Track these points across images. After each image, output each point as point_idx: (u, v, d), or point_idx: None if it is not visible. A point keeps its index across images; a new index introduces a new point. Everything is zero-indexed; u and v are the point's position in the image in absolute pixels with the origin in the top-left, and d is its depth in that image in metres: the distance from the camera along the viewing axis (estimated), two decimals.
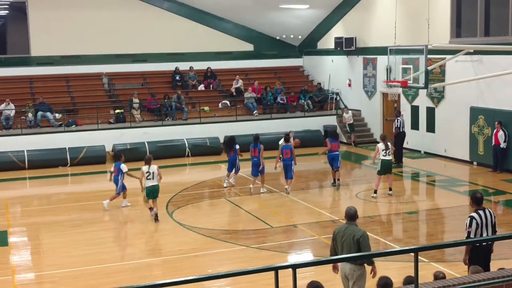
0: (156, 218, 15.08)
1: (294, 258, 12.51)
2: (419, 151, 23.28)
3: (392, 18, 22.72)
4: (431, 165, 21.29)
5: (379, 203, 16.42)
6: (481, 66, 20.06)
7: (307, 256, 12.85)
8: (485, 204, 9.53)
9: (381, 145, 16.69)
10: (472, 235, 9.11)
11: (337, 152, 18.20)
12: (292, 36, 30.46)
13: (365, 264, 8.49)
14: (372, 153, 20.33)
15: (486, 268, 8.60)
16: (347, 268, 8.42)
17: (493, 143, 19.44)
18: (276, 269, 5.80)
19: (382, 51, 22.23)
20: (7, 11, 28.87)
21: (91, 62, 27.66)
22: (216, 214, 16.24)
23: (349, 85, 27.47)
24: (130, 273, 11.85)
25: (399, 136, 21.63)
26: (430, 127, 22.74)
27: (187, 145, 24.20)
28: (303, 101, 27.75)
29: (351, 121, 25.59)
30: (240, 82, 28.05)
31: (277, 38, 30.85)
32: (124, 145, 23.06)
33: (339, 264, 8.69)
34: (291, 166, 17.57)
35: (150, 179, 14.94)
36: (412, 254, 6.19)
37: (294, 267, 5.78)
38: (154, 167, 15.03)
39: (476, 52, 19.72)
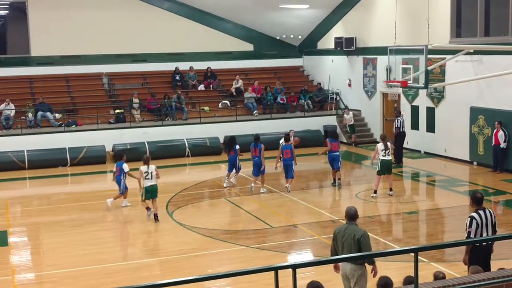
0: (156, 218, 15.09)
1: (294, 258, 12.51)
2: (419, 151, 23.28)
3: (392, 18, 22.72)
4: (431, 165, 21.29)
5: (379, 203, 16.42)
6: (481, 66, 20.06)
7: (307, 256, 12.85)
8: (485, 204, 9.53)
9: (380, 145, 16.69)
10: (472, 235, 9.11)
11: (337, 153, 18.21)
12: (292, 36, 30.46)
13: (366, 264, 8.49)
14: (372, 153, 20.33)
15: (486, 268, 8.60)
16: (348, 268, 8.42)
17: (493, 143, 19.44)
18: (276, 269, 5.80)
19: (382, 51, 22.23)
20: (7, 11, 28.87)
21: (91, 62, 27.66)
22: (216, 214, 16.24)
23: (349, 85, 27.47)
24: (130, 273, 11.85)
25: (399, 136, 21.62)
26: (430, 127, 22.74)
27: (187, 145, 24.20)
28: (303, 101, 27.75)
29: (352, 122, 25.55)
30: (240, 82, 28.06)
31: (277, 38, 30.85)
32: (124, 145, 23.06)
33: (340, 264, 8.69)
34: (291, 166, 17.58)
35: (148, 178, 14.97)
36: (412, 254, 6.19)
37: (294, 267, 5.78)
38: (152, 167, 15.07)
39: (476, 52, 19.72)
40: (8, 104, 24.36)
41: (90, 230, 14.72)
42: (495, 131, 19.33)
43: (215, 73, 28.79)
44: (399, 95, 23.92)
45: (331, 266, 9.01)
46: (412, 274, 6.19)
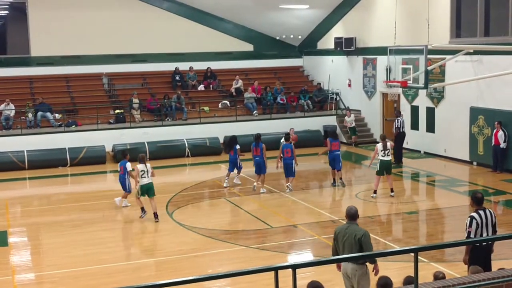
0: (155, 217, 15.12)
1: (294, 258, 12.51)
2: (419, 151, 23.28)
3: (392, 18, 22.72)
4: (431, 165, 21.30)
5: (379, 203, 16.42)
6: (481, 66, 20.06)
7: (307, 256, 12.86)
8: (485, 204, 9.53)
9: (379, 145, 16.69)
10: (472, 235, 9.11)
11: (338, 152, 18.22)
12: (292, 36, 30.47)
13: (367, 263, 8.50)
14: (372, 153, 20.33)
15: (487, 268, 8.60)
16: (349, 268, 8.43)
17: (493, 143, 19.44)
18: (276, 269, 5.80)
19: (382, 51, 22.23)
20: (7, 11, 28.89)
21: (91, 62, 27.66)
22: (216, 214, 16.24)
23: (349, 85, 27.47)
24: (130, 273, 11.85)
25: (399, 136, 21.62)
26: (430, 127, 22.74)
27: (187, 145, 24.20)
28: (303, 101, 27.75)
29: (353, 125, 25.49)
30: (240, 82, 28.06)
31: (277, 38, 30.85)
32: (124, 145, 23.04)
33: (341, 263, 8.70)
34: (292, 165, 17.58)
35: (144, 177, 15.07)
36: (412, 254, 6.19)
37: (294, 267, 5.78)
38: (148, 165, 15.18)
39: (476, 52, 19.72)
40: (8, 104, 24.37)
41: (90, 230, 14.72)
42: (495, 131, 19.33)
43: (215, 73, 28.79)
44: (399, 95, 23.93)
45: (331, 266, 9.01)
46: (412, 274, 6.19)
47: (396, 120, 21.81)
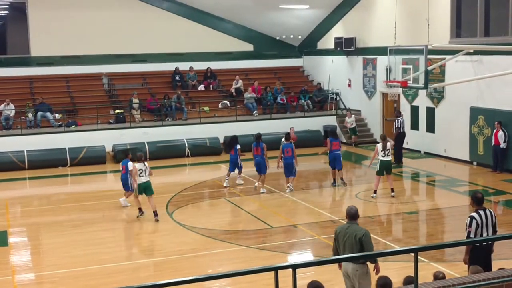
0: (155, 215, 15.16)
1: (294, 258, 12.51)
2: (419, 151, 23.28)
3: (392, 18, 22.71)
4: (431, 165, 21.30)
5: (379, 203, 16.42)
6: (481, 66, 20.06)
7: (307, 256, 12.86)
8: (485, 204, 9.53)
9: (380, 146, 16.69)
10: (472, 235, 9.11)
11: (338, 151, 18.24)
12: (292, 36, 30.47)
13: (368, 262, 8.51)
14: (372, 154, 20.33)
15: (487, 268, 8.60)
16: (350, 268, 8.44)
17: (493, 143, 19.44)
18: (276, 269, 5.80)
19: (382, 51, 22.23)
20: (7, 11, 28.89)
21: (91, 62, 27.66)
22: (216, 214, 16.24)
23: (349, 85, 27.47)
24: (130, 273, 11.86)
25: (399, 136, 21.62)
26: (430, 127, 22.74)
27: (187, 145, 24.20)
28: (303, 101, 27.75)
29: (353, 126, 25.49)
30: (240, 82, 28.06)
31: (277, 38, 30.85)
32: (124, 146, 23.04)
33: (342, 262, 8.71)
34: (292, 164, 17.59)
35: (142, 175, 15.13)
36: (412, 254, 6.19)
37: (294, 267, 5.78)
38: (146, 164, 15.26)
39: (476, 52, 19.72)
40: (8, 104, 24.37)
41: (90, 230, 14.72)
42: (495, 131, 19.33)
43: (215, 73, 28.79)
44: (399, 95, 23.93)
45: (331, 266, 9.01)
46: (412, 274, 6.19)
47: (396, 120, 21.82)
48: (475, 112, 20.51)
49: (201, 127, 25.21)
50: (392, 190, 16.82)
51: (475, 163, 20.79)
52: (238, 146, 18.52)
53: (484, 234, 9.09)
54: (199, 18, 29.33)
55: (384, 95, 24.94)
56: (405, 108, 23.73)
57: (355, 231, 8.52)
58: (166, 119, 25.81)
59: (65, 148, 22.97)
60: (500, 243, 10.20)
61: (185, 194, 18.10)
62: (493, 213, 9.32)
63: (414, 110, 23.46)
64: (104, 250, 13.24)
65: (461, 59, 20.23)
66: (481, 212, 9.21)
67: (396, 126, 21.68)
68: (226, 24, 29.96)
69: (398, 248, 11.34)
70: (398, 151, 21.17)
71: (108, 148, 23.52)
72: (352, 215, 8.73)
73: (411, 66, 18.95)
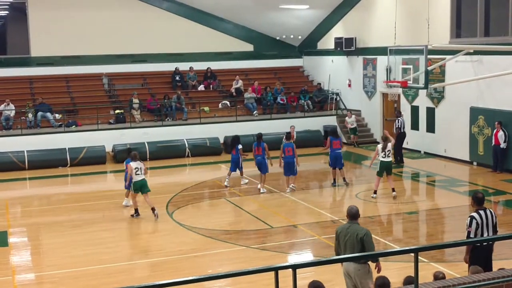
0: (153, 211, 15.18)
1: (294, 258, 12.51)
2: (419, 151, 23.28)
3: (392, 18, 22.71)
4: (431, 165, 21.30)
5: (379, 203, 16.42)
6: (481, 66, 20.06)
7: (307, 256, 12.86)
8: (485, 204, 9.53)
9: (380, 146, 16.68)
10: (472, 235, 9.11)
11: (339, 151, 18.25)
12: (292, 36, 30.47)
13: (369, 262, 8.53)
14: (372, 154, 20.33)
15: (487, 268, 8.60)
16: (352, 267, 8.46)
17: (493, 143, 19.44)
18: (276, 270, 5.80)
19: (382, 51, 22.23)
20: (7, 11, 28.88)
21: (91, 63, 27.66)
22: (216, 214, 16.24)
23: (349, 85, 27.47)
24: (130, 273, 11.86)
25: (400, 137, 21.63)
26: (430, 127, 22.74)
27: (187, 145, 24.20)
28: (303, 101, 27.75)
29: (354, 126, 25.48)
30: (240, 83, 28.06)
31: (277, 38, 30.85)
32: (124, 146, 23.05)
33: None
34: (293, 164, 17.60)
35: (139, 174, 15.22)
36: (412, 254, 6.19)
37: (294, 267, 5.78)
38: (140, 163, 15.37)
39: (476, 53, 19.72)
40: (8, 104, 24.37)
41: (90, 231, 14.72)
42: (495, 131, 19.33)
43: (215, 74, 28.79)
44: (399, 95, 23.93)
45: (332, 266, 9.01)
46: (412, 274, 6.19)
47: (397, 120, 21.83)
48: (475, 112, 20.51)
49: (201, 127, 25.21)
50: (393, 190, 16.80)
51: (475, 163, 20.79)
52: (240, 146, 18.53)
53: (485, 234, 9.09)
54: (199, 18, 29.33)
55: (384, 95, 24.94)
56: (405, 108, 23.73)
57: (356, 231, 8.53)
58: (166, 119, 25.81)
59: (65, 148, 22.97)
60: (500, 243, 10.20)
61: (185, 194, 18.10)
62: (493, 213, 9.32)
63: (414, 110, 23.46)
64: (104, 250, 13.25)
65: (461, 59, 20.23)
66: (481, 212, 9.21)
67: (397, 126, 21.69)
68: (226, 24, 29.96)
69: (398, 248, 11.34)
70: (398, 151, 21.17)
71: (108, 148, 23.52)
72: (353, 214, 8.75)
73: (411, 66, 18.95)
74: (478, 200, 9.35)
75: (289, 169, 17.69)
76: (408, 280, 6.94)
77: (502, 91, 19.53)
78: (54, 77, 27.33)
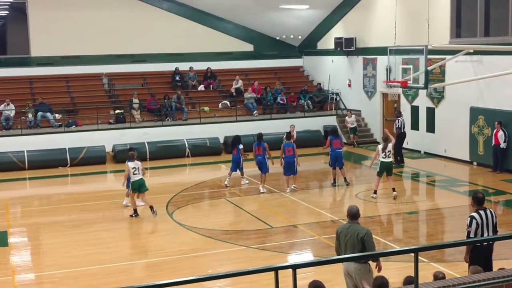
0: (151, 209, 15.20)
1: (294, 258, 12.51)
2: (419, 151, 23.28)
3: (392, 18, 22.72)
4: (431, 165, 21.30)
5: (379, 203, 16.42)
6: (481, 66, 20.06)
7: (307, 256, 12.86)
8: (485, 204, 9.53)
9: (380, 147, 16.67)
10: (472, 235, 9.12)
11: (340, 150, 18.26)
12: (292, 36, 30.47)
13: (370, 261, 8.54)
14: (372, 154, 20.33)
15: (487, 268, 8.60)
16: (352, 267, 8.47)
17: (493, 143, 19.44)
18: (276, 270, 5.80)
19: (382, 51, 22.23)
20: (7, 11, 28.89)
21: (91, 63, 27.66)
22: (216, 214, 16.24)
23: (349, 85, 27.47)
24: (130, 273, 11.86)
25: (400, 137, 21.62)
26: (430, 127, 22.74)
27: (187, 145, 24.20)
28: (303, 101, 27.75)
29: (354, 125, 25.47)
30: (240, 83, 28.06)
31: (277, 38, 30.85)
32: (124, 146, 23.05)
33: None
34: (294, 163, 17.61)
35: (136, 174, 15.25)
36: (412, 254, 6.19)
37: (294, 267, 5.78)
38: (138, 163, 15.41)
39: (476, 53, 19.72)
40: (8, 104, 24.37)
41: (90, 231, 14.72)
42: (495, 131, 19.33)
43: (215, 74, 28.79)
44: (399, 95, 23.93)
45: (332, 266, 9.01)
46: (412, 274, 6.19)
47: (397, 121, 21.83)
48: (475, 112, 20.51)
49: (201, 127, 25.21)
50: (394, 190, 16.78)
51: (475, 163, 20.79)
52: (241, 146, 18.53)
53: (485, 234, 9.09)
54: (199, 18, 29.33)
55: (384, 95, 24.94)
56: (405, 108, 23.73)
57: (357, 231, 8.54)
58: (166, 119, 25.81)
59: (65, 148, 22.97)
60: (500, 243, 10.20)
61: (185, 194, 18.10)
62: (493, 214, 9.32)
63: (414, 110, 23.46)
64: (104, 250, 13.25)
65: (461, 59, 20.23)
66: (482, 212, 9.22)
67: (397, 126, 21.69)
68: (226, 24, 29.96)
69: (398, 248, 11.33)
70: (399, 151, 21.17)
71: (108, 148, 23.52)
72: (353, 214, 8.75)
73: (411, 66, 18.95)
74: (478, 200, 9.35)
75: (290, 168, 17.70)
76: (408, 280, 6.94)
77: (502, 91, 19.53)
78: (54, 77, 27.33)
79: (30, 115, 24.42)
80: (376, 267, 8.66)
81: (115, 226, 15.34)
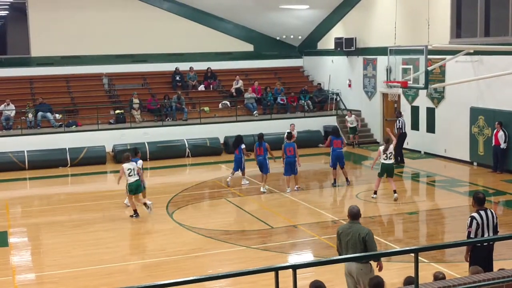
0: (145, 204, 15.29)
1: (294, 258, 12.51)
2: (419, 152, 23.28)
3: (392, 18, 22.72)
4: (431, 166, 21.29)
5: (379, 203, 16.42)
6: (481, 66, 20.06)
7: (307, 256, 12.86)
8: (485, 205, 9.53)
9: (382, 148, 16.65)
10: (472, 235, 9.12)
11: (341, 150, 18.27)
12: (292, 36, 30.47)
13: (371, 261, 8.55)
14: (372, 154, 20.33)
15: (488, 268, 8.60)
16: (354, 267, 8.48)
17: (493, 143, 19.43)
18: (276, 270, 5.80)
19: (382, 51, 22.23)
20: (7, 11, 28.89)
21: (91, 63, 27.67)
22: (217, 214, 16.24)
23: (349, 85, 27.47)
24: (130, 273, 11.87)
25: (400, 137, 21.62)
26: (430, 128, 22.74)
27: (187, 145, 24.20)
28: (303, 101, 27.75)
29: (353, 125, 25.45)
30: (240, 83, 28.06)
31: (277, 38, 30.85)
32: (124, 146, 23.05)
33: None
34: (295, 163, 17.61)
35: (132, 175, 15.26)
36: (412, 254, 6.19)
37: (295, 267, 5.78)
38: (133, 164, 15.40)
39: (476, 53, 19.72)
40: (8, 104, 24.38)
41: (90, 231, 14.73)
42: (495, 131, 19.33)
43: (215, 74, 28.80)
44: (399, 96, 23.93)
45: (332, 266, 9.00)
46: (413, 275, 6.20)
47: (398, 121, 21.83)
48: (475, 113, 20.51)
49: (201, 127, 25.21)
50: (395, 192, 16.72)
51: (475, 163, 20.79)
52: (243, 146, 18.53)
53: (485, 235, 9.09)
54: (199, 18, 29.34)
55: (384, 96, 24.94)
56: (405, 109, 23.73)
57: (358, 231, 8.55)
58: (166, 119, 25.81)
59: (65, 148, 22.97)
60: (500, 244, 10.21)
61: (185, 195, 18.11)
62: (494, 214, 9.32)
63: (414, 111, 23.46)
64: (105, 250, 13.25)
65: (461, 59, 20.23)
66: (482, 212, 9.22)
67: (398, 126, 21.69)
68: (226, 24, 29.96)
69: (398, 249, 11.34)
70: (399, 152, 21.16)
71: (109, 148, 23.53)
72: (354, 214, 8.76)
73: (411, 66, 18.95)
74: (479, 200, 9.35)
75: (290, 168, 17.70)
76: (408, 281, 6.94)
77: (502, 91, 19.53)
78: (54, 77, 27.34)
79: (30, 115, 24.43)
80: (377, 267, 8.66)
81: (115, 226, 15.34)
